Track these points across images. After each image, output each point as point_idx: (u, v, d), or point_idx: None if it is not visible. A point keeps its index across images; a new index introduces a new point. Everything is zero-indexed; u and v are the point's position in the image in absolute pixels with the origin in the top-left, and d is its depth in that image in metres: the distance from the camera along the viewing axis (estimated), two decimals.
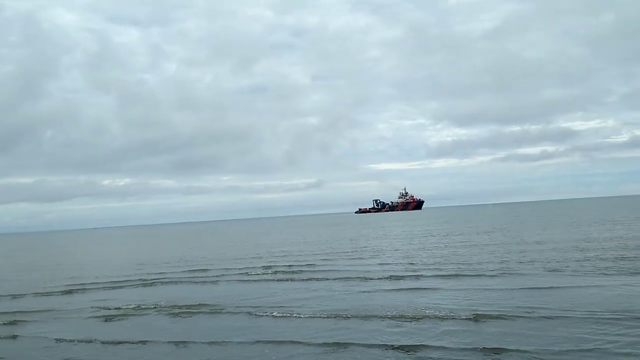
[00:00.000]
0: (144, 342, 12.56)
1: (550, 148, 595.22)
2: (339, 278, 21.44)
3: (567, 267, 20.57)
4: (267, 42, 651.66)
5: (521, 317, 12.61)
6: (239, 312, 15.42)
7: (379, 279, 20.55)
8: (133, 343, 12.56)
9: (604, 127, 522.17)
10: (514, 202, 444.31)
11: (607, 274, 18.22)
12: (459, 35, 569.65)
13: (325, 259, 30.68)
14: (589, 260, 22.16)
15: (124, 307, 17.45)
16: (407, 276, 20.70)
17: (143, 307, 17.32)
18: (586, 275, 18.26)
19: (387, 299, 16.08)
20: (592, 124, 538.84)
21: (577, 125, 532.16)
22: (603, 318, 11.91)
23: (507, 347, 10.16)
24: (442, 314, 13.30)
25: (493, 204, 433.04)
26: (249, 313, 15.19)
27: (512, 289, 16.48)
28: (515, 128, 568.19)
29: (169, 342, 12.42)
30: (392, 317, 13.41)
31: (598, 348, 9.75)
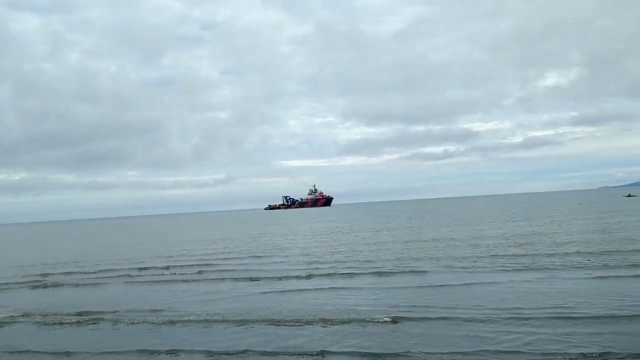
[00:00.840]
0: (21, 352, 11.51)
1: (452, 147, 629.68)
2: (240, 278, 20.92)
3: (460, 264, 21.41)
4: (174, 34, 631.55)
5: (420, 317, 12.69)
6: (131, 318, 14.41)
7: (280, 278, 20.30)
8: (7, 352, 11.44)
9: (501, 128, 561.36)
10: (419, 199, 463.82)
11: (498, 271, 19.10)
12: (367, 35, 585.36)
13: (228, 258, 30.06)
14: (481, 257, 23.22)
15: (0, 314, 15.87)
16: (308, 275, 20.55)
17: (22, 313, 15.84)
18: (479, 272, 19.06)
19: (288, 300, 15.83)
20: (490, 125, 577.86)
21: (477, 126, 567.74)
22: (497, 317, 12.24)
23: (405, 351, 10.18)
24: (342, 317, 13.12)
25: (398, 201, 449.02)
26: (141, 319, 14.27)
27: (408, 287, 16.81)
28: (420, 128, 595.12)
29: (49, 352, 11.42)
30: (292, 320, 13.12)
31: (494, 349, 9.95)
